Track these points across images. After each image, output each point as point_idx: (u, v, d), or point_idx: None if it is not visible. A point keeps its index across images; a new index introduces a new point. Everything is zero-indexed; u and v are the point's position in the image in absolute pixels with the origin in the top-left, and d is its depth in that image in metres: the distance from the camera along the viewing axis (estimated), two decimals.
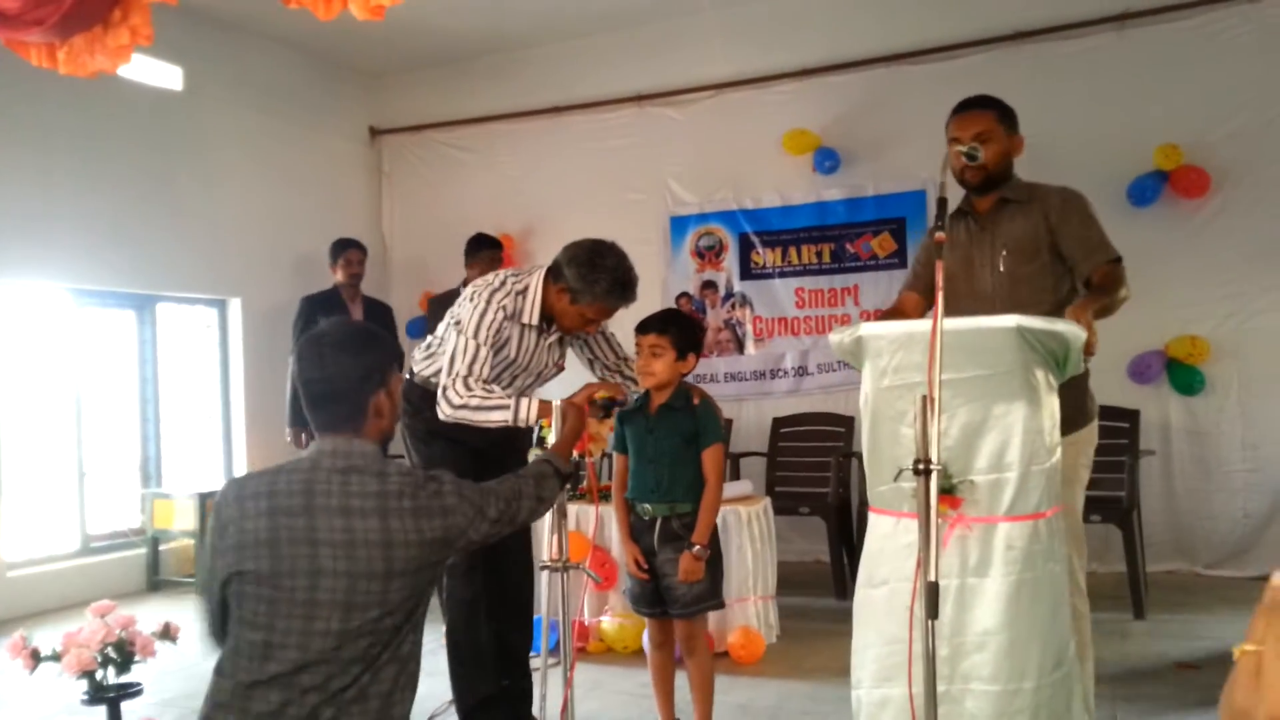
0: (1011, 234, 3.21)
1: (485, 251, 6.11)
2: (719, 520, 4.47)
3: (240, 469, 7.21)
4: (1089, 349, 2.60)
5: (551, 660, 3.03)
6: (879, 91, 6.58)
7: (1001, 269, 3.19)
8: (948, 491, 2.43)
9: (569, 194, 7.57)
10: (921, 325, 2.46)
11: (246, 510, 2.02)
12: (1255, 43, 5.75)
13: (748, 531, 4.59)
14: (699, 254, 7.17)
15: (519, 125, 7.76)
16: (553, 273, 3.29)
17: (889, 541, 2.60)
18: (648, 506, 3.27)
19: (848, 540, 5.71)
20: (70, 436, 6.24)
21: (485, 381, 3.16)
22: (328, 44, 7.52)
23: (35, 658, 2.98)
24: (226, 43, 7.11)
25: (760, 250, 6.96)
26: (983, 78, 6.29)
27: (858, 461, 5.83)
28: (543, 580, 2.96)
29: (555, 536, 2.94)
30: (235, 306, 7.26)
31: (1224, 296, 5.80)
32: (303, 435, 6.24)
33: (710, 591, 3.26)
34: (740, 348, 7.03)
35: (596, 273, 3.19)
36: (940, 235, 2.38)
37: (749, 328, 7.01)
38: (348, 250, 6.40)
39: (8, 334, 5.89)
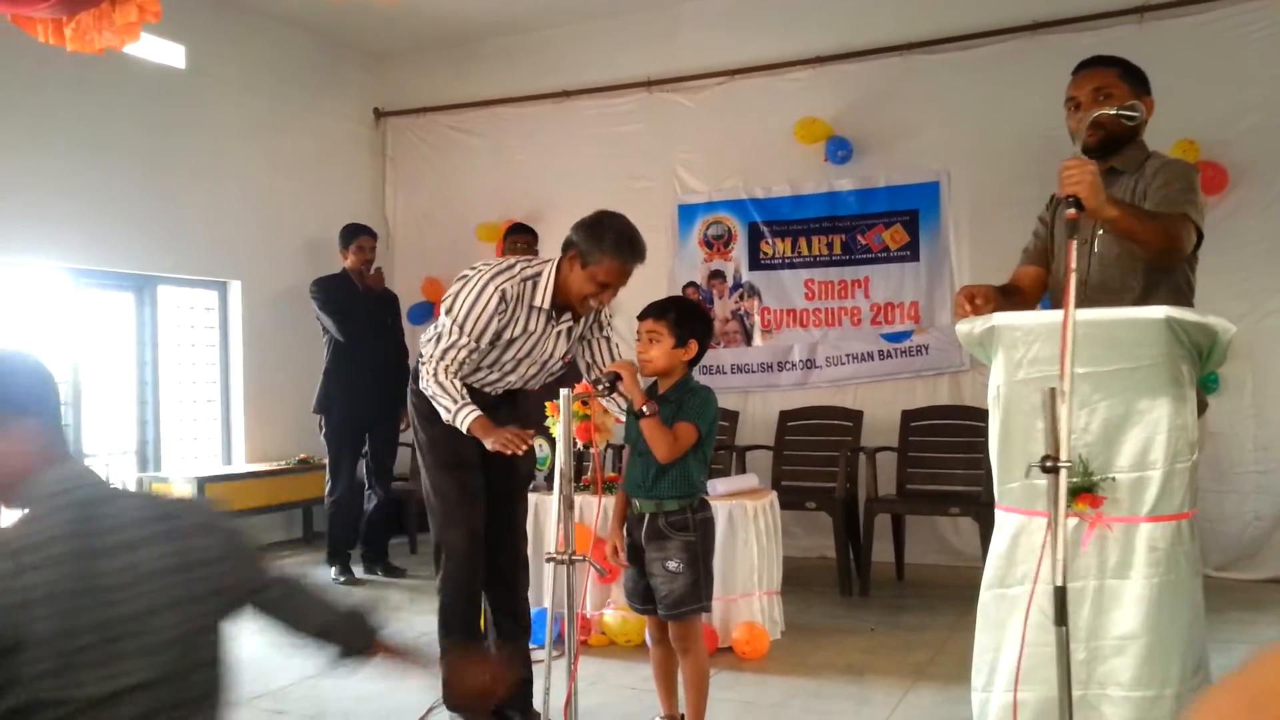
0: None
1: (522, 237, 6.04)
2: (722, 514, 4.43)
3: (239, 453, 7.15)
4: (1062, 180, 2.47)
5: (554, 653, 2.97)
6: (893, 81, 6.50)
7: (1096, 249, 2.93)
8: (1088, 489, 2.36)
9: (576, 180, 7.48)
10: (1060, 316, 2.28)
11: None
12: (1274, 38, 5.68)
13: (753, 526, 4.53)
14: (707, 243, 7.09)
15: (526, 109, 7.67)
16: (565, 248, 3.35)
17: (1021, 541, 2.51)
18: (637, 502, 3.22)
19: (854, 536, 5.65)
20: (68, 418, 6.17)
21: (458, 368, 3.31)
22: (332, 23, 7.43)
23: None
24: (230, 21, 7.02)
25: (769, 240, 6.87)
26: (999, 69, 6.27)
27: (865, 457, 5.76)
28: (547, 573, 2.88)
29: (561, 528, 2.87)
30: (236, 289, 7.18)
31: (1239, 295, 5.71)
32: (331, 418, 6.15)
33: (691, 594, 3.15)
34: (748, 339, 6.95)
35: (603, 229, 3.29)
36: (1071, 213, 2.22)
37: (757, 319, 6.92)
38: (360, 236, 6.29)
39: (6, 315, 5.81)
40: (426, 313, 7.93)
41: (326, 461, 6.21)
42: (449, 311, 3.27)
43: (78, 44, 3.49)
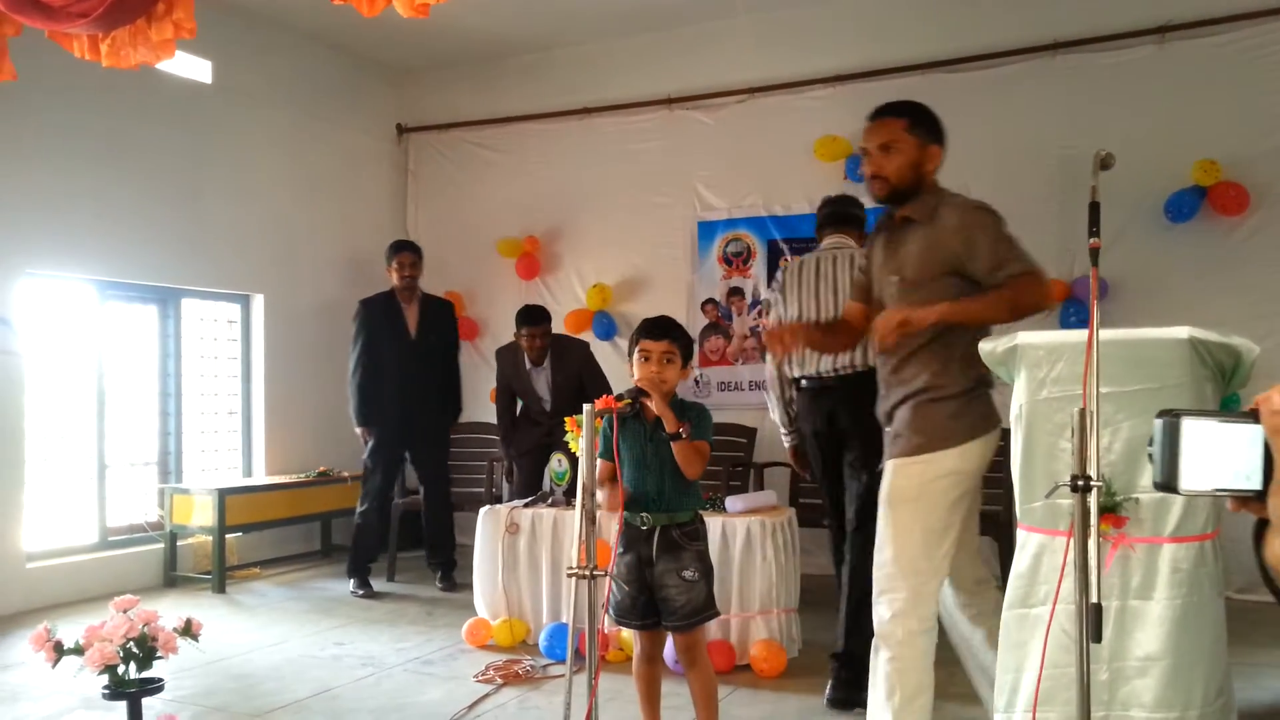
0: (906, 258, 2.99)
1: (524, 328, 5.94)
2: (740, 531, 4.44)
3: (259, 466, 7.20)
4: (881, 341, 2.58)
5: (575, 668, 2.98)
6: (914, 99, 6.50)
7: (895, 294, 2.99)
8: (1110, 510, 2.36)
9: (596, 197, 7.54)
10: (1084, 335, 2.29)
11: None
12: None
13: (771, 543, 4.52)
14: (726, 260, 7.11)
15: (547, 126, 7.72)
16: None
17: (1043, 561, 2.51)
18: (646, 516, 3.19)
19: (872, 554, 5.63)
20: (92, 429, 6.23)
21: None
22: (357, 40, 7.51)
23: (58, 651, 2.95)
24: (255, 36, 7.11)
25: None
26: (1018, 88, 6.29)
27: None
28: (568, 588, 2.90)
29: (582, 544, 2.88)
30: (259, 303, 7.24)
31: (1260, 316, 5.67)
32: (370, 434, 6.26)
33: (707, 602, 3.20)
34: (766, 356, 6.95)
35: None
36: (1095, 241, 2.21)
37: None
38: (399, 253, 6.25)
39: (32, 327, 5.87)
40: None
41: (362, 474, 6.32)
42: None
43: (113, 60, 3.55)
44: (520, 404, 6.12)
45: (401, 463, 6.42)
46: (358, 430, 6.31)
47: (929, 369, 2.93)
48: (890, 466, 3.00)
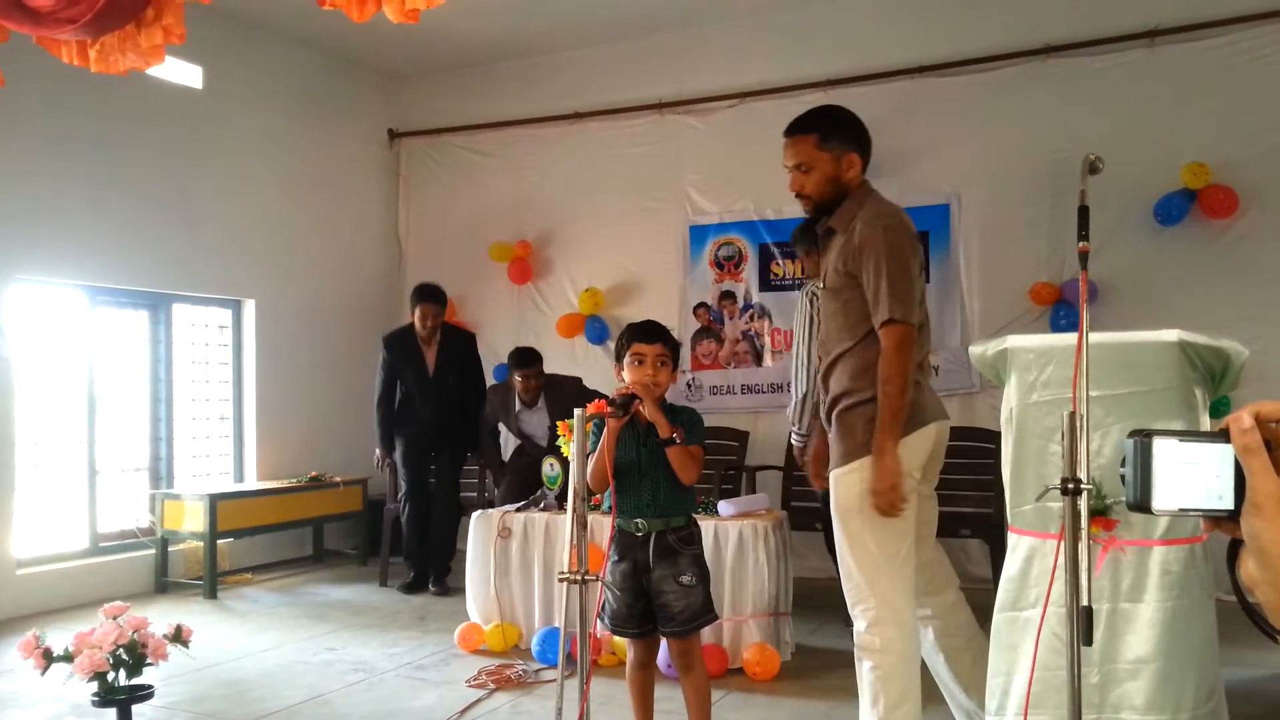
0: (827, 266, 3.04)
1: (516, 371, 6.09)
2: (733, 535, 4.44)
3: (250, 471, 7.18)
4: (882, 506, 2.65)
5: (566, 673, 2.97)
6: (904, 104, 6.53)
7: (821, 302, 3.06)
8: (1101, 513, 2.36)
9: (588, 201, 7.54)
10: (1074, 338, 2.32)
11: None
12: None
13: (764, 546, 4.52)
14: (718, 264, 7.12)
15: (539, 130, 7.73)
16: None
17: (1033, 564, 2.52)
18: (640, 522, 3.16)
19: None
20: (82, 435, 6.21)
21: None
22: (348, 45, 7.51)
23: (47, 658, 2.94)
24: (246, 42, 7.10)
25: (780, 261, 6.90)
26: (1010, 92, 6.30)
27: None
28: (560, 592, 2.89)
29: (574, 549, 2.88)
30: (250, 308, 7.23)
31: (1249, 319, 5.69)
32: (388, 459, 6.43)
33: (705, 606, 3.20)
34: (758, 360, 6.97)
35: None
36: (1084, 245, 2.22)
37: (767, 340, 6.95)
38: (423, 303, 6.33)
39: (23, 332, 5.85)
40: None
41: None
42: None
43: (102, 66, 3.54)
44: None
45: (428, 463, 6.48)
46: (376, 453, 6.46)
47: (846, 374, 2.97)
48: (831, 480, 3.01)
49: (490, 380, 6.94)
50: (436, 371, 6.37)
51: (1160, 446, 0.83)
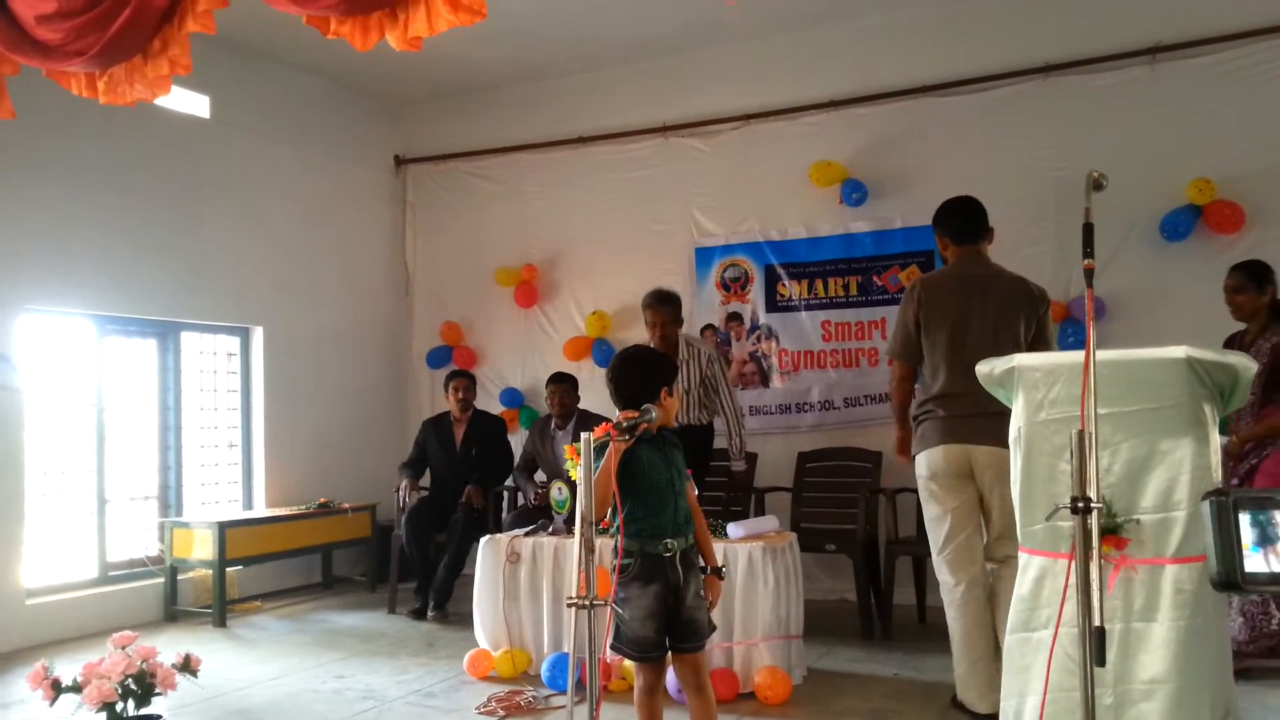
0: None
1: (550, 385, 6.48)
2: (742, 557, 4.42)
3: (259, 498, 7.18)
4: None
5: (576, 699, 2.96)
6: (907, 123, 6.55)
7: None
8: (1112, 531, 2.34)
9: (594, 225, 7.57)
10: (1082, 356, 2.28)
11: None
12: None
13: (773, 569, 4.50)
14: (724, 285, 7.12)
15: (544, 155, 7.77)
16: None
17: (1045, 584, 2.49)
18: (670, 542, 3.09)
19: (875, 579, 5.61)
20: (91, 464, 6.22)
21: None
22: (354, 72, 7.56)
23: (56, 688, 2.93)
24: (253, 71, 7.16)
25: (786, 282, 6.91)
26: (1012, 110, 6.32)
27: (885, 498, 5.74)
28: (568, 618, 2.88)
29: (581, 573, 2.86)
30: (258, 335, 7.25)
31: None
32: (409, 488, 6.67)
33: (710, 619, 3.24)
34: (765, 381, 6.96)
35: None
36: (1089, 263, 2.22)
37: (775, 361, 6.94)
38: (453, 379, 6.86)
39: (32, 362, 5.88)
40: (445, 357, 7.98)
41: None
42: None
43: (110, 96, 3.58)
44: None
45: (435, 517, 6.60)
46: (402, 482, 6.70)
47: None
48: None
49: (500, 411, 7.36)
50: (462, 446, 6.76)
51: (1245, 518, 0.80)
